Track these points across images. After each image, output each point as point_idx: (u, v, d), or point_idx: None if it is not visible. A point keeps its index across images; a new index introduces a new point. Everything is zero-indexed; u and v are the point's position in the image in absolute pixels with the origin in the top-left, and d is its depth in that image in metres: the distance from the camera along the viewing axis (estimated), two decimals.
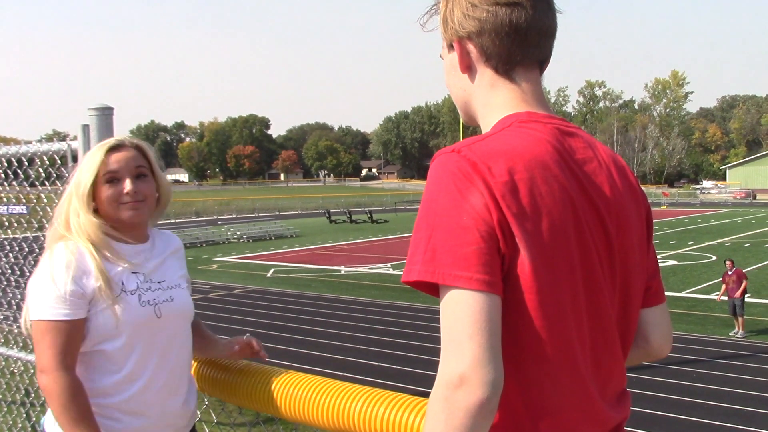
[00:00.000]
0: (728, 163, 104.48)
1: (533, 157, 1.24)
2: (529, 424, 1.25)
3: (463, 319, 1.15)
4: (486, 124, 1.41)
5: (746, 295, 15.32)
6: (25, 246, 3.98)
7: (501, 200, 1.18)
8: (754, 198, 76.16)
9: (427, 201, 1.23)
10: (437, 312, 1.56)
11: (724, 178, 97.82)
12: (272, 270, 27.20)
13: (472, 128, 1.57)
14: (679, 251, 29.78)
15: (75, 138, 2.73)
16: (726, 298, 15.53)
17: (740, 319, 15.10)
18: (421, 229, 1.21)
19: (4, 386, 4.11)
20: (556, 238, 1.23)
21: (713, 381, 11.95)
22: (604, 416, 1.33)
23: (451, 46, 1.42)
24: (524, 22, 1.34)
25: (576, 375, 1.27)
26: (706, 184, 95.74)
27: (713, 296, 17.10)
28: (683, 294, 19.61)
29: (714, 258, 27.40)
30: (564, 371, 1.25)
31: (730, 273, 15.35)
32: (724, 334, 15.15)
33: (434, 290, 1.21)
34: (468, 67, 1.41)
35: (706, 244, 32.66)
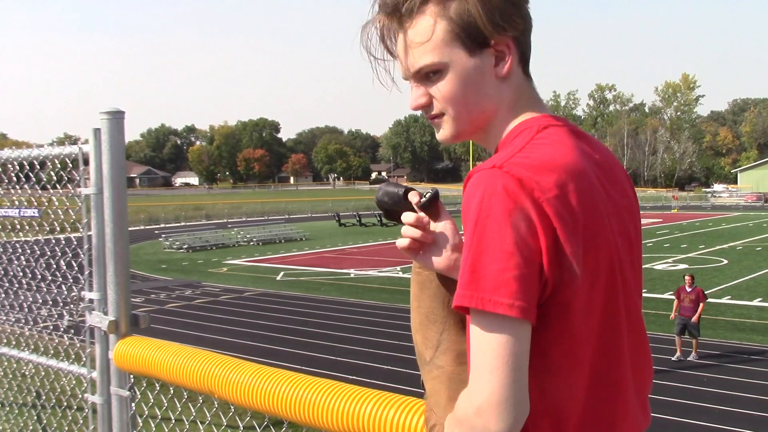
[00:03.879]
0: (739, 166, 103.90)
1: (572, 166, 1.21)
2: None
3: (490, 348, 1.14)
4: (500, 131, 1.36)
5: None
6: (36, 249, 4.00)
7: (554, 217, 1.15)
8: (766, 201, 75.63)
9: (468, 221, 1.18)
10: None
11: (736, 182, 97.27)
12: (282, 273, 27.22)
13: None
14: (690, 255, 29.62)
15: (86, 141, 2.75)
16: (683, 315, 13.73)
17: (695, 342, 13.57)
18: (465, 251, 1.18)
19: (16, 388, 4.13)
20: (601, 250, 1.21)
21: (724, 385, 11.88)
22: (638, 425, 1.34)
23: (483, 47, 1.30)
24: None
25: (619, 387, 1.28)
26: (717, 187, 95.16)
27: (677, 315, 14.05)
28: None
29: (725, 262, 27.25)
30: (609, 385, 1.26)
31: (688, 290, 13.72)
32: (735, 338, 15.06)
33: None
34: (509, 71, 1.33)
35: (718, 247, 32.48)
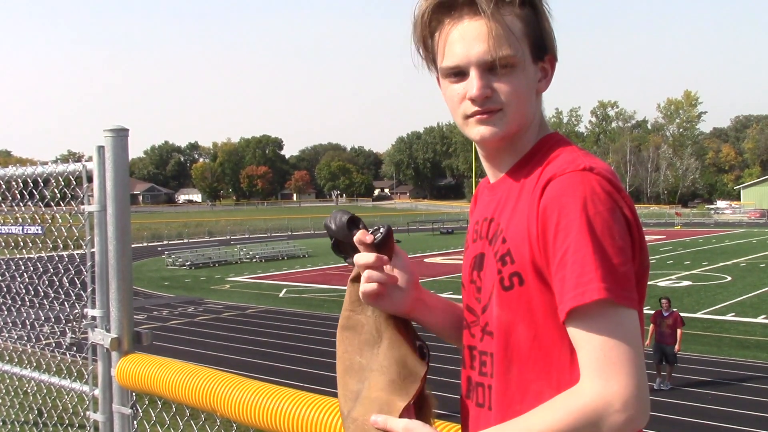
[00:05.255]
0: (742, 183, 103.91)
1: None
2: None
3: (626, 341, 1.15)
4: (527, 142, 1.40)
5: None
6: (39, 266, 4.00)
7: (636, 217, 1.24)
8: None
9: (578, 219, 1.19)
10: None
11: (739, 198, 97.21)
12: (284, 290, 27.19)
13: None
14: (693, 272, 29.54)
15: (90, 159, 2.76)
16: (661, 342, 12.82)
17: (669, 368, 12.78)
18: (581, 248, 1.17)
19: (18, 406, 4.11)
20: None
21: (729, 403, 11.80)
22: None
23: (538, 60, 1.37)
24: None
25: None
26: (720, 204, 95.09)
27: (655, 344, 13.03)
28: (698, 315, 19.43)
29: (729, 278, 27.17)
30: None
31: (665, 314, 12.81)
32: (740, 356, 14.98)
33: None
34: (545, 89, 1.42)
35: (721, 264, 32.40)
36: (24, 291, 4.03)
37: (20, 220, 4.04)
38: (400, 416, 1.30)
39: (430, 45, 1.39)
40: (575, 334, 1.19)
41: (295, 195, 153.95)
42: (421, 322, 1.52)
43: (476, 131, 1.35)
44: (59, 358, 4.12)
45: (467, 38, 1.32)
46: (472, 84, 1.32)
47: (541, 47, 1.36)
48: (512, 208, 1.33)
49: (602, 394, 1.13)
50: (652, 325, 12.86)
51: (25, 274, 4.08)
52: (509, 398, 1.31)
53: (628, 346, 1.15)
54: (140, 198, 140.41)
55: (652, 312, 13.16)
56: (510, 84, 1.32)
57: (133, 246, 2.75)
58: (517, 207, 1.32)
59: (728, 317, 19.34)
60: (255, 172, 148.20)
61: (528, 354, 1.28)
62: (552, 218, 1.22)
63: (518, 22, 1.32)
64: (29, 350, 4.08)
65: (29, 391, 3.84)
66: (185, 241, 56.37)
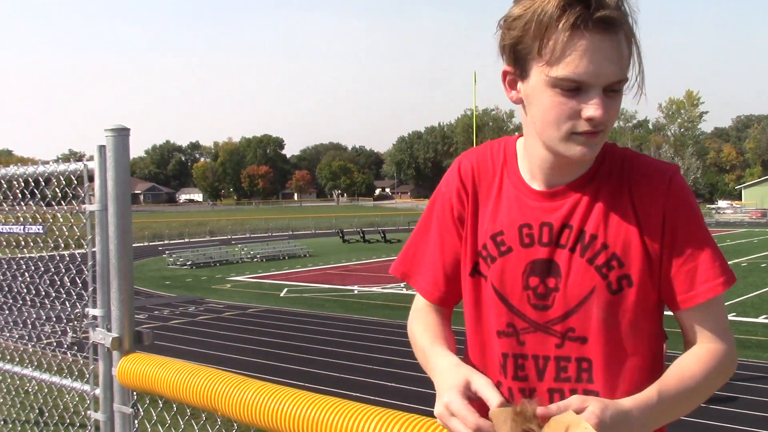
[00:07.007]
0: (743, 182, 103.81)
1: None
2: None
3: (726, 315, 1.50)
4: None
5: None
6: (41, 265, 4.00)
7: None
8: None
9: (698, 215, 1.44)
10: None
11: (740, 198, 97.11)
12: (285, 290, 27.19)
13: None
14: None
15: (91, 158, 2.76)
16: None
17: None
18: (706, 243, 1.43)
19: (19, 405, 4.12)
20: None
21: (731, 403, 11.79)
22: None
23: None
24: None
25: None
26: (722, 204, 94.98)
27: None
28: None
29: None
30: None
31: None
32: (745, 356, 14.96)
33: None
34: None
35: None
36: (25, 290, 4.04)
37: (21, 219, 4.04)
38: None
39: (531, 40, 1.29)
40: (702, 314, 1.42)
41: (296, 194, 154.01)
42: None
43: (579, 150, 1.34)
44: (60, 357, 4.12)
45: (599, 55, 1.27)
46: (597, 105, 1.29)
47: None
48: (601, 214, 1.40)
49: (729, 352, 1.46)
50: None
51: (26, 273, 4.08)
52: (620, 397, 1.37)
53: (727, 319, 1.49)
54: (141, 197, 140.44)
55: None
56: (615, 107, 1.34)
57: (134, 245, 2.75)
58: (613, 212, 1.40)
59: (729, 317, 19.17)
60: (256, 171, 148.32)
61: (631, 351, 1.43)
62: (682, 214, 1.39)
63: (626, 44, 1.34)
64: (30, 350, 4.08)
65: (30, 390, 3.84)
66: (186, 240, 56.35)
